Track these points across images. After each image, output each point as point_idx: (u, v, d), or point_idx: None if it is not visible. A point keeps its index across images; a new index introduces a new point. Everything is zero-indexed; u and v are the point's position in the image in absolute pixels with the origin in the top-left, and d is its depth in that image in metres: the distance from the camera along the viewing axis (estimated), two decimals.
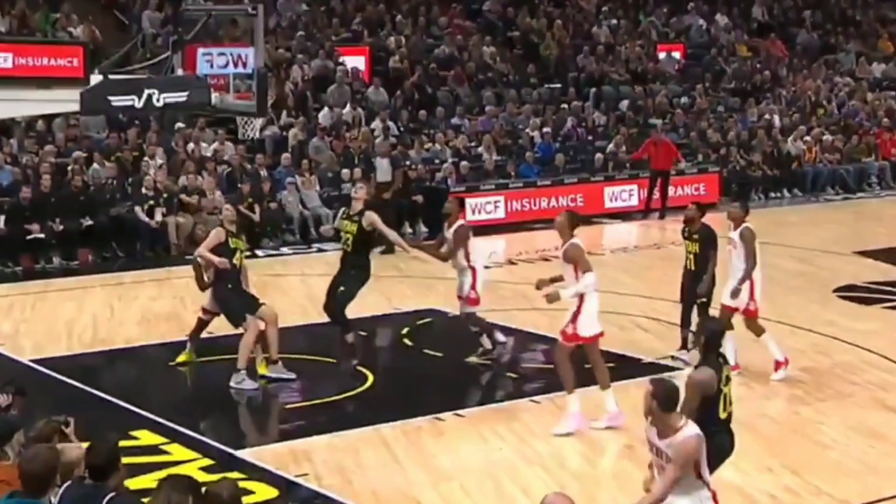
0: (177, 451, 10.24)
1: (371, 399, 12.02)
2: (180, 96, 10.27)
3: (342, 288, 12.91)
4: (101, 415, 11.01)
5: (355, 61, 26.77)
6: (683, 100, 29.38)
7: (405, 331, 14.51)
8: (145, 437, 10.54)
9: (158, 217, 19.71)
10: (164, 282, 17.51)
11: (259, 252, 19.64)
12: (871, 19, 36.81)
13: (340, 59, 26.39)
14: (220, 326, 12.84)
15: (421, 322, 14.91)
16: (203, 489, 5.96)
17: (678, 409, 7.03)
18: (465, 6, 30.70)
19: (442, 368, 13.16)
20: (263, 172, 21.60)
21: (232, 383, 12.07)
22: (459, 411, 11.44)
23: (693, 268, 12.90)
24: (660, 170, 24.21)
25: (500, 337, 13.35)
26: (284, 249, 20.47)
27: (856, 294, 16.57)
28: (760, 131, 27.82)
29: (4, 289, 17.18)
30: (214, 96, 10.54)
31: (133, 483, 8.30)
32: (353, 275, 12.90)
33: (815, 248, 20.11)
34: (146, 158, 20.77)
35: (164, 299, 16.42)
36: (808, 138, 28.00)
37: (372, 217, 12.86)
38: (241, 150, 22.23)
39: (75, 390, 12.16)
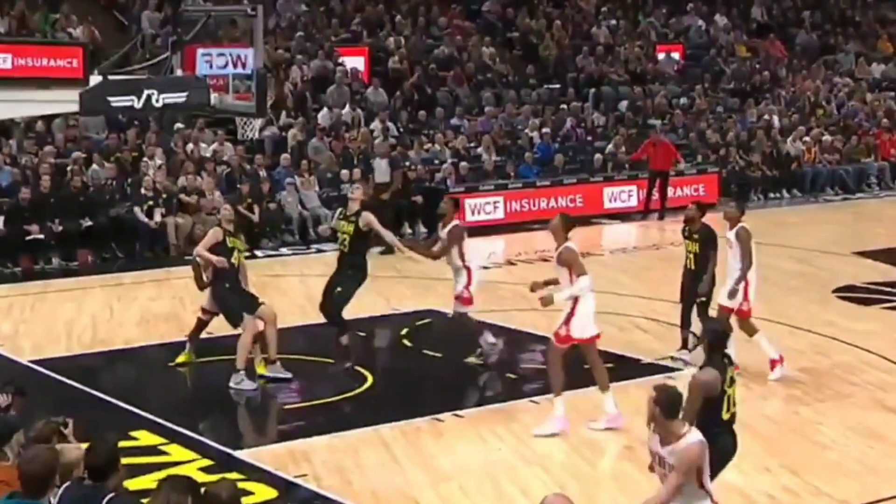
0: (176, 452, 10.24)
1: (370, 400, 12.02)
2: (179, 97, 10.28)
3: (339, 289, 12.90)
4: (100, 415, 11.01)
5: (354, 62, 26.76)
6: (683, 100, 29.38)
7: (404, 331, 14.51)
8: (144, 438, 10.53)
9: (158, 218, 19.70)
10: (163, 282, 17.51)
11: (258, 253, 19.64)
12: (870, 20, 36.82)
13: (340, 60, 26.39)
14: (219, 327, 12.84)
15: (420, 323, 14.91)
16: (202, 490, 5.97)
17: (681, 410, 7.01)
18: (465, 7, 30.71)
19: (441, 369, 13.16)
20: (262, 173, 21.60)
21: (231, 384, 12.08)
22: (459, 412, 11.44)
23: (693, 267, 12.92)
24: (658, 170, 24.22)
25: (489, 338, 13.35)
26: (283, 250, 20.45)
27: (855, 294, 16.58)
28: (760, 132, 27.83)
29: (4, 289, 17.18)
30: (214, 97, 10.55)
31: (132, 484, 8.31)
32: (349, 275, 12.89)
33: (815, 249, 20.11)
34: (145, 159, 20.76)
35: (164, 300, 16.42)
36: (807, 139, 28.01)
37: (368, 218, 12.86)
38: (240, 150, 22.22)
39: (75, 391, 12.16)
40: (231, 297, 12.39)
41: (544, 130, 25.84)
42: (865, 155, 28.51)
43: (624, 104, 28.36)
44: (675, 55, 31.85)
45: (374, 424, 10.97)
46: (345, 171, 22.06)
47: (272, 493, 9.37)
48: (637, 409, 10.37)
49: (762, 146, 27.22)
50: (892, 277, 17.62)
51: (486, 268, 18.16)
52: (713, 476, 7.26)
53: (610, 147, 25.75)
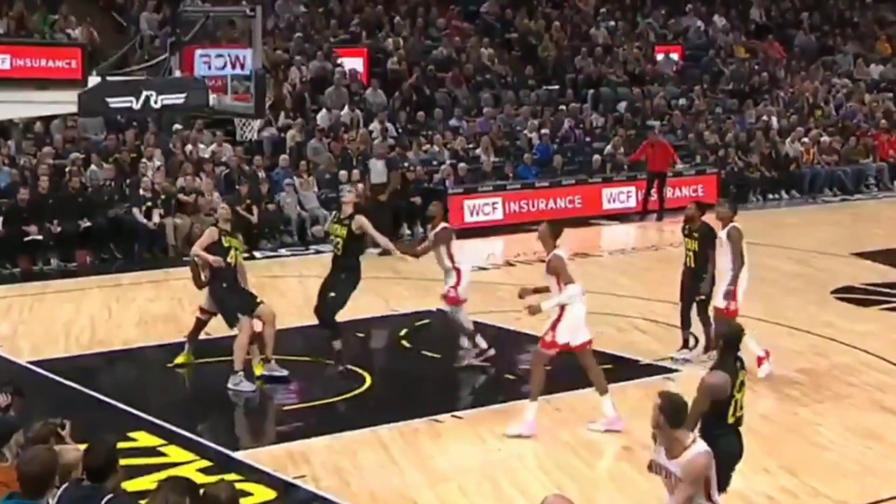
0: (175, 453, 10.24)
1: (369, 400, 12.02)
2: (178, 98, 10.29)
3: (333, 293, 12.83)
4: (99, 416, 11.02)
5: (353, 63, 26.76)
6: (681, 101, 29.39)
7: (403, 332, 14.51)
8: (143, 439, 10.53)
9: (156, 218, 19.70)
10: (161, 283, 17.50)
11: (257, 254, 19.63)
12: (868, 21, 36.82)
13: (338, 61, 26.38)
14: (218, 328, 12.83)
15: (419, 323, 14.90)
16: (201, 491, 5.97)
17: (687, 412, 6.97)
18: (464, 8, 30.71)
19: (440, 370, 13.15)
20: (261, 174, 21.60)
21: (229, 385, 12.07)
22: (457, 413, 11.45)
23: (693, 265, 12.96)
24: (657, 171, 24.24)
25: (481, 342, 13.32)
26: (282, 251, 20.45)
27: (853, 295, 16.57)
28: (758, 133, 27.82)
29: (2, 290, 17.17)
30: (212, 98, 10.55)
31: (131, 485, 8.31)
32: (343, 278, 12.84)
33: (813, 250, 20.11)
34: (144, 160, 20.76)
35: (162, 301, 16.41)
36: (805, 140, 28.01)
37: (361, 220, 12.84)
38: (238, 151, 22.21)
39: (73, 392, 12.15)
40: (228, 297, 12.38)
41: (543, 131, 25.84)
42: (864, 156, 28.51)
43: (623, 105, 28.36)
44: (674, 56, 31.86)
45: (372, 425, 10.97)
46: (343, 172, 22.03)
47: (271, 494, 9.36)
48: (636, 410, 10.40)
49: (761, 147, 27.22)
50: (891, 278, 17.62)
51: (484, 269, 18.22)
52: (722, 481, 7.21)
53: (608, 148, 25.75)
